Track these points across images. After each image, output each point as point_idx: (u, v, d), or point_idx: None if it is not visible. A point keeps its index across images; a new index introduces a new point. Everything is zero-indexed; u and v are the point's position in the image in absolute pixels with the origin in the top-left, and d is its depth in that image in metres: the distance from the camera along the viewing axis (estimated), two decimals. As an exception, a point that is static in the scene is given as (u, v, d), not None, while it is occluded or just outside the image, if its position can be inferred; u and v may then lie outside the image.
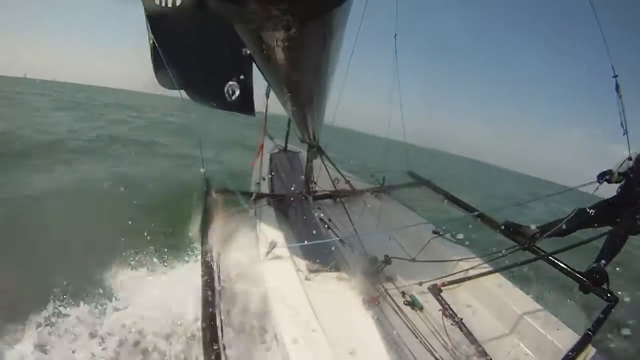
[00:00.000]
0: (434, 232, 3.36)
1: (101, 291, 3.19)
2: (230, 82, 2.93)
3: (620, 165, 2.68)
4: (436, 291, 2.53)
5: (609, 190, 2.77)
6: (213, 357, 1.71)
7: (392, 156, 4.97)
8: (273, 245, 2.58)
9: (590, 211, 2.74)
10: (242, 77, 2.93)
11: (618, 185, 2.75)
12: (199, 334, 1.95)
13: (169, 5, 2.53)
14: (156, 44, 2.73)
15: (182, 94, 3.02)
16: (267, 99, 3.07)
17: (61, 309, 2.96)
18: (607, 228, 2.67)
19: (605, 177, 2.71)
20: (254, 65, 2.79)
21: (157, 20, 2.65)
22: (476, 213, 3.45)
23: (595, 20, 2.47)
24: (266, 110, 3.19)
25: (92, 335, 2.79)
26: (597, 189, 2.71)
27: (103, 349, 2.67)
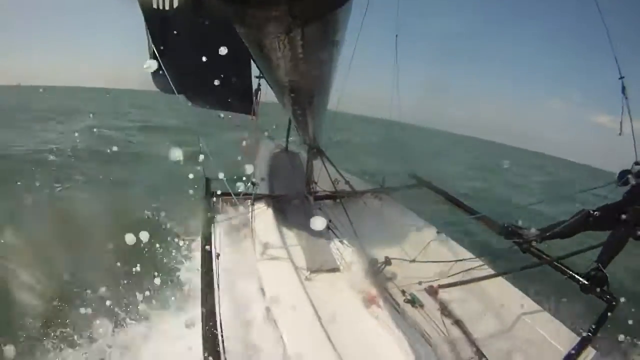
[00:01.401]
0: (438, 233, 3.36)
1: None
2: (229, 83, 2.94)
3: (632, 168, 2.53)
4: (433, 292, 2.53)
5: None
6: (213, 358, 1.70)
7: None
8: (268, 245, 2.59)
9: (595, 213, 2.64)
10: (240, 77, 2.93)
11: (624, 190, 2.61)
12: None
13: (167, 7, 2.53)
14: (155, 48, 2.72)
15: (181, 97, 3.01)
16: (257, 98, 3.06)
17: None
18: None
19: (627, 175, 2.53)
20: (252, 65, 2.81)
21: (155, 23, 2.65)
22: (478, 215, 3.45)
23: (601, 20, 2.44)
24: (257, 110, 3.18)
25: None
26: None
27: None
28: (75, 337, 2.92)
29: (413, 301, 2.64)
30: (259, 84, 2.97)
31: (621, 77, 2.42)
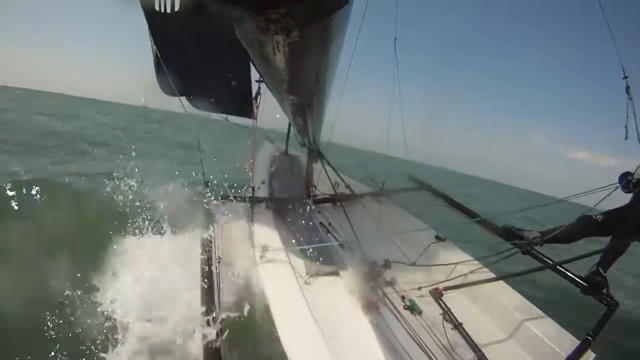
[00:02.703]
0: (437, 237, 3.35)
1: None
2: (230, 86, 2.96)
3: (635, 171, 2.50)
4: (437, 295, 2.52)
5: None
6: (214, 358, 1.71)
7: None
8: (268, 249, 2.58)
9: (597, 217, 2.61)
10: (240, 81, 2.95)
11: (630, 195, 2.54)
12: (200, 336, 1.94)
13: (168, 10, 2.55)
14: (158, 51, 2.74)
15: (183, 100, 3.02)
16: (257, 102, 3.07)
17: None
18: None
19: (627, 177, 2.50)
20: (252, 69, 2.82)
21: (157, 26, 2.68)
22: (478, 219, 3.45)
23: (604, 18, 2.36)
24: (256, 113, 3.18)
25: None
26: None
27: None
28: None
29: (412, 307, 2.63)
30: (259, 88, 2.98)
31: (625, 77, 2.35)
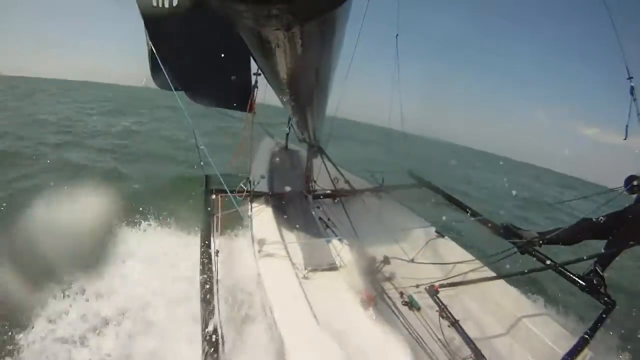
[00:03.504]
0: (436, 233, 3.35)
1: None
2: (229, 81, 2.94)
3: None
4: (433, 292, 2.53)
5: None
6: (212, 355, 1.71)
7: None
8: (266, 243, 2.59)
9: (599, 220, 2.58)
10: (240, 75, 2.93)
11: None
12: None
13: (166, 5, 2.52)
14: (153, 47, 2.71)
15: (179, 93, 3.00)
16: (254, 94, 3.04)
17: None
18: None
19: (633, 181, 2.47)
20: (252, 63, 2.80)
21: (154, 22, 2.64)
22: (478, 218, 3.45)
23: (609, 18, 2.33)
24: (253, 106, 3.16)
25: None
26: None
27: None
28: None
29: (411, 303, 2.64)
30: (256, 81, 2.96)
31: (629, 77, 2.32)
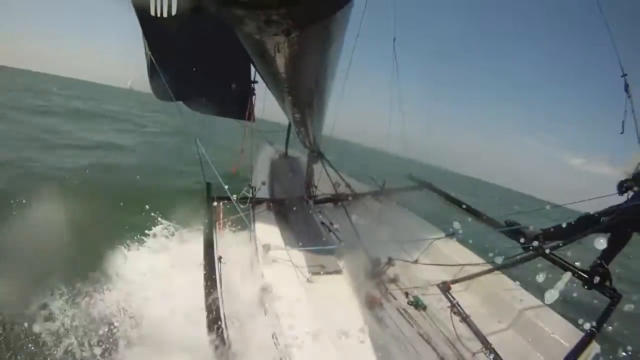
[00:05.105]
0: (438, 235, 3.35)
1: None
2: (229, 89, 2.96)
3: (636, 168, 2.53)
4: (445, 289, 2.53)
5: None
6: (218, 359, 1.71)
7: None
8: (268, 248, 2.59)
9: (600, 217, 2.59)
10: (240, 83, 2.95)
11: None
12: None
13: (164, 14, 2.54)
14: (152, 56, 2.73)
15: (178, 103, 3.02)
16: (252, 102, 3.07)
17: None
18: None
19: (625, 185, 2.53)
20: (252, 71, 2.82)
21: (152, 31, 2.66)
22: (481, 217, 3.46)
23: (602, 17, 2.43)
24: (253, 113, 3.18)
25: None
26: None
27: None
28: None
29: (416, 303, 2.63)
30: (253, 88, 2.99)
31: (624, 75, 2.39)
